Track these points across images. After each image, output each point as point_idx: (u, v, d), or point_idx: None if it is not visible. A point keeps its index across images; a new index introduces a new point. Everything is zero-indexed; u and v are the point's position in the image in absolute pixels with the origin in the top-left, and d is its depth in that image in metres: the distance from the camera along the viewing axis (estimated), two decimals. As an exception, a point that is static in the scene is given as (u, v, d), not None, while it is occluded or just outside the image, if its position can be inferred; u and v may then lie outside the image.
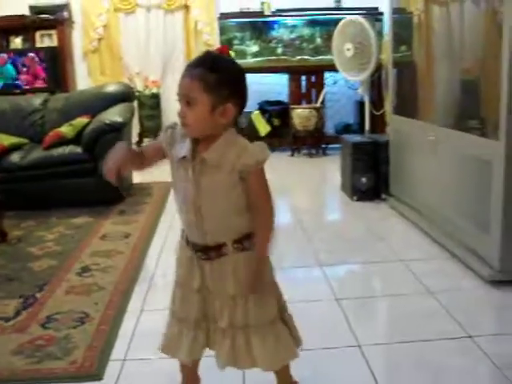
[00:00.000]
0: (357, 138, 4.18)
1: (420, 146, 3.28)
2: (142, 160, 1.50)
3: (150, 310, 2.34)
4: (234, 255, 1.42)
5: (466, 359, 1.93)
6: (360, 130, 6.11)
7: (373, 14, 5.88)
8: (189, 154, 1.37)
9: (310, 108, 5.67)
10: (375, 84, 5.71)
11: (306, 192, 4.66)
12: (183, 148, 1.39)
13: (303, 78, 5.94)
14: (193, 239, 1.45)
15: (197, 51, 6.00)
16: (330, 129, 6.11)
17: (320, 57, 5.96)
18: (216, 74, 1.33)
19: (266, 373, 1.54)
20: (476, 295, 2.43)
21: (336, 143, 5.93)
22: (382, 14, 5.80)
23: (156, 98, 5.95)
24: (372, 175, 4.02)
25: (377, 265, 2.82)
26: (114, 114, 4.03)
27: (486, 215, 2.53)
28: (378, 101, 5.93)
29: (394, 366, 1.97)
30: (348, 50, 4.35)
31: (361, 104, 6.15)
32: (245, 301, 1.44)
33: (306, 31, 5.94)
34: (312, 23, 5.95)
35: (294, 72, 5.91)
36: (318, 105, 5.75)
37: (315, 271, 2.76)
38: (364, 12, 5.86)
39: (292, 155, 5.86)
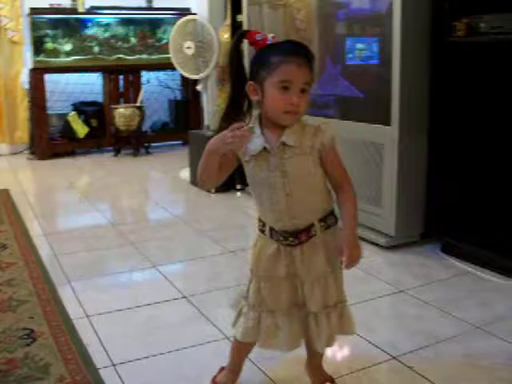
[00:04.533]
0: (209, 133, 4.30)
1: None
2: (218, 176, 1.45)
3: (99, 314, 2.21)
4: (321, 234, 1.46)
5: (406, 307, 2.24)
6: (177, 127, 6.25)
7: (185, 15, 6.03)
8: (269, 144, 1.38)
9: (132, 107, 5.61)
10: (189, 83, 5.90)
11: (158, 191, 4.64)
12: (257, 141, 1.38)
13: (121, 77, 5.83)
14: (282, 227, 1.44)
15: (2, 50, 5.51)
16: (147, 128, 6.11)
17: (136, 56, 5.92)
18: (312, 63, 1.38)
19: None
20: (378, 259, 2.79)
21: (157, 142, 6.01)
22: (195, 15, 5.96)
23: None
24: (227, 168, 4.18)
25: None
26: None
27: (379, 192, 2.89)
28: (193, 99, 6.14)
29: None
30: (188, 48, 4.44)
31: (176, 102, 6.29)
32: (334, 278, 1.50)
33: (121, 30, 5.84)
34: (126, 22, 5.87)
35: (111, 71, 5.78)
36: (139, 104, 5.71)
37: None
38: (177, 12, 6.01)
39: (116, 155, 5.74)
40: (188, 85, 6.20)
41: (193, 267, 2.75)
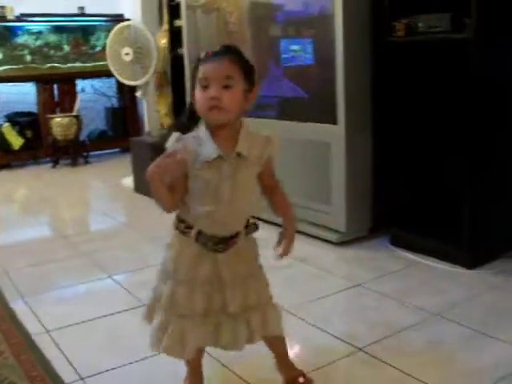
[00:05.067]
0: (151, 139, 4.27)
1: None
2: (173, 199, 1.42)
3: (59, 328, 2.16)
4: (244, 240, 1.48)
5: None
6: (115, 135, 6.16)
7: (118, 21, 5.96)
8: (223, 152, 1.36)
9: (69, 116, 5.50)
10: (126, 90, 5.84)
11: (102, 200, 4.54)
12: (210, 149, 1.37)
13: (55, 86, 5.70)
14: (213, 233, 1.43)
15: None
16: (84, 137, 5.99)
17: (70, 64, 5.80)
18: (248, 62, 1.40)
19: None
20: (331, 255, 2.86)
21: (95, 150, 5.90)
22: (128, 20, 5.89)
23: None
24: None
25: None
26: None
27: (328, 190, 2.96)
28: (130, 105, 6.08)
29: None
30: (127, 54, 4.40)
31: (112, 110, 6.21)
32: (255, 280, 1.52)
33: (53, 38, 5.70)
34: (58, 30, 5.74)
35: (44, 81, 5.64)
36: (76, 113, 5.60)
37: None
38: (109, 19, 5.93)
39: (54, 167, 5.59)
40: (124, 92, 6.14)
41: (149, 275, 2.67)
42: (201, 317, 1.47)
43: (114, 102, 6.27)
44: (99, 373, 1.84)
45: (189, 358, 1.55)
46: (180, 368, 1.67)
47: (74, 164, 5.57)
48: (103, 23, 5.93)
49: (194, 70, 1.40)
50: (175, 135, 1.41)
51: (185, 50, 3.92)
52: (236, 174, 1.39)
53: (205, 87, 1.35)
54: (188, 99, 1.44)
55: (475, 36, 2.32)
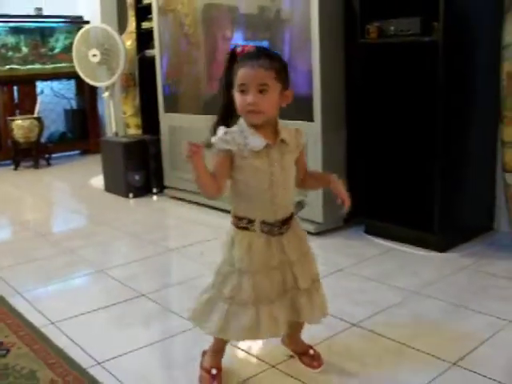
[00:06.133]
0: (123, 139, 4.35)
1: (193, 135, 3.66)
2: (216, 181, 1.53)
3: (64, 319, 2.23)
4: (295, 219, 1.67)
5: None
6: (76, 137, 6.17)
7: (78, 23, 5.99)
8: (269, 141, 1.53)
9: (30, 118, 5.47)
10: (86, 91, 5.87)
11: (75, 201, 4.56)
12: (257, 139, 1.52)
13: (15, 88, 5.66)
14: (277, 218, 1.58)
15: None
16: (44, 139, 5.97)
17: (29, 66, 5.77)
18: (282, 64, 1.53)
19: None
20: (311, 244, 3.02)
21: (56, 152, 5.90)
22: (87, 22, 5.93)
23: None
24: (144, 172, 4.27)
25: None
26: None
27: (305, 182, 3.13)
28: (90, 107, 6.10)
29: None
30: (94, 56, 4.45)
31: (72, 112, 6.21)
32: (311, 254, 1.71)
33: (11, 39, 5.66)
34: (16, 31, 5.69)
35: (3, 82, 5.59)
36: (37, 115, 5.58)
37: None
38: (68, 20, 5.94)
39: (15, 169, 5.55)
40: (84, 93, 6.15)
41: (140, 267, 2.82)
42: (281, 297, 1.61)
43: (74, 103, 6.26)
44: (114, 357, 1.93)
45: (282, 334, 1.68)
46: (191, 350, 1.80)
47: (36, 166, 5.55)
48: (62, 25, 5.92)
49: (228, 70, 1.55)
50: (223, 129, 1.56)
51: (157, 53, 4.01)
52: (283, 158, 1.56)
53: (242, 91, 1.50)
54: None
55: (443, 38, 2.54)
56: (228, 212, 1.69)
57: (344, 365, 1.81)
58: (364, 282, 2.51)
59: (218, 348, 1.76)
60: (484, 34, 2.75)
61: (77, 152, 6.29)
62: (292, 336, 1.83)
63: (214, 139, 1.54)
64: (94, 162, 5.66)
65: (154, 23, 3.96)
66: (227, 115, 1.58)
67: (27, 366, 1.91)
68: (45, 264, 2.91)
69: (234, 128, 1.56)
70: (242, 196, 1.60)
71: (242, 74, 1.49)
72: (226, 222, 1.69)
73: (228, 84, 1.55)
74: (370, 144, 3.02)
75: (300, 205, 1.73)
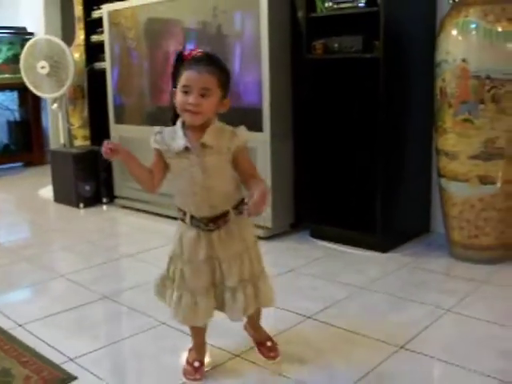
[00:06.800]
0: (74, 150, 4.40)
1: (144, 146, 3.78)
2: (153, 176, 1.71)
3: (31, 321, 2.29)
4: (235, 219, 1.75)
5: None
6: (19, 149, 6.13)
7: (21, 34, 5.99)
8: (190, 143, 1.64)
9: (-27, 130, 5.41)
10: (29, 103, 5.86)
11: (25, 211, 4.51)
12: (180, 141, 1.63)
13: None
14: (202, 215, 1.70)
15: None
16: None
17: (-29, 77, 5.71)
18: (226, 73, 1.67)
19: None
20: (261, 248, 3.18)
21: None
22: (31, 33, 5.93)
23: None
24: (94, 182, 4.34)
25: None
26: None
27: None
28: (34, 119, 6.08)
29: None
30: (43, 67, 4.49)
31: (15, 123, 6.18)
32: (248, 255, 1.77)
33: (-47, 49, 5.60)
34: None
35: None
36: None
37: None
38: (12, 31, 5.92)
39: (-43, 181, 5.47)
40: (27, 105, 6.12)
41: (99, 272, 2.91)
42: (206, 289, 1.74)
43: (17, 115, 6.22)
44: (85, 354, 2.02)
45: (201, 325, 1.81)
46: (158, 343, 1.96)
47: (-22, 178, 5.48)
48: (5, 35, 5.89)
49: (175, 69, 1.66)
50: (156, 129, 1.72)
51: (107, 65, 4.11)
52: (203, 161, 1.65)
53: (186, 92, 1.62)
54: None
55: (383, 56, 2.78)
56: (175, 219, 1.82)
57: (302, 353, 1.98)
58: (314, 280, 2.69)
59: (196, 342, 1.89)
60: (420, 53, 3.01)
61: (19, 164, 6.24)
62: (249, 322, 1.97)
63: (150, 138, 1.70)
64: (39, 174, 5.68)
65: (104, 36, 4.05)
66: (174, 116, 1.71)
67: (0, 364, 1.97)
68: (4, 271, 2.95)
69: (169, 128, 1.70)
70: (175, 190, 1.75)
71: (187, 76, 1.58)
72: (174, 228, 1.82)
73: (175, 84, 1.67)
74: (315, 153, 3.23)
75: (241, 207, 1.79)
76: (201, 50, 1.68)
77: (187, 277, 1.74)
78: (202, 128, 1.66)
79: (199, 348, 1.89)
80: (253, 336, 2.00)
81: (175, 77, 1.67)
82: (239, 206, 1.76)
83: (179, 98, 1.62)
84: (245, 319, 1.94)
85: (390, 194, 2.99)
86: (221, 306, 1.79)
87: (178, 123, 1.70)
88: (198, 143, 1.65)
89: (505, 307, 2.32)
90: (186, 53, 1.66)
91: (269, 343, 1.96)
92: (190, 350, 1.92)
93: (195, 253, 1.73)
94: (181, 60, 1.66)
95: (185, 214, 1.74)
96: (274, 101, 3.15)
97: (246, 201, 1.72)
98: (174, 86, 1.67)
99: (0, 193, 5.16)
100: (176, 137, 1.67)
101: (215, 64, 1.65)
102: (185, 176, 1.68)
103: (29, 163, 6.23)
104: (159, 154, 1.71)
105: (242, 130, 1.72)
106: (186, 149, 1.65)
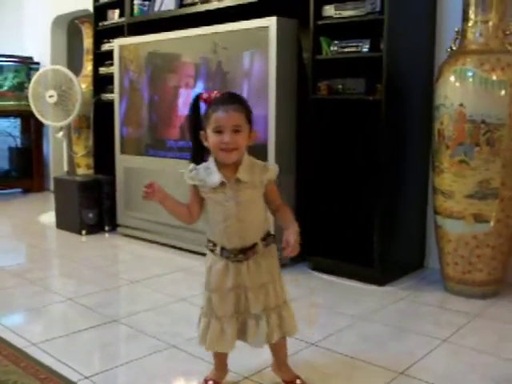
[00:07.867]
0: (78, 178, 4.52)
1: (147, 175, 3.89)
2: (190, 211, 1.84)
3: (45, 341, 2.37)
4: (263, 250, 1.85)
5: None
6: (20, 175, 6.23)
7: (28, 63, 6.15)
8: (226, 179, 1.76)
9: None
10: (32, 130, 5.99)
11: (27, 237, 4.54)
12: (215, 177, 1.74)
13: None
14: (233, 246, 1.79)
15: None
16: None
17: (-24, 103, 5.84)
18: (249, 108, 1.80)
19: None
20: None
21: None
22: (37, 63, 6.10)
23: None
24: (97, 210, 4.45)
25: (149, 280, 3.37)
26: None
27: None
28: (35, 146, 6.20)
29: None
30: (51, 96, 4.63)
31: (17, 150, 6.29)
32: (273, 286, 1.86)
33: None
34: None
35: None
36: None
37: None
38: (18, 60, 6.08)
39: (-42, 205, 5.54)
40: (29, 132, 6.25)
41: (107, 297, 3.00)
42: (232, 317, 1.84)
43: (19, 142, 6.34)
44: (100, 372, 2.11)
45: (227, 351, 1.90)
46: (168, 365, 2.04)
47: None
48: (11, 64, 6.04)
49: (193, 115, 1.81)
50: (191, 166, 1.83)
51: (116, 97, 4.26)
52: (238, 195, 1.77)
53: (219, 132, 1.73)
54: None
55: (385, 98, 2.95)
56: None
57: (308, 377, 2.07)
58: (315, 310, 2.81)
59: (217, 363, 1.99)
60: (419, 97, 3.19)
61: (19, 190, 6.33)
62: (277, 362, 2.03)
63: (184, 175, 1.82)
64: (39, 200, 5.78)
65: (114, 69, 4.21)
66: (197, 154, 1.84)
67: (19, 380, 2.05)
68: (11, 293, 3.02)
69: (202, 165, 1.82)
70: (209, 222, 1.86)
71: (217, 117, 1.69)
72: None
73: (195, 127, 1.80)
74: (316, 188, 3.37)
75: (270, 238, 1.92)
76: (218, 91, 1.81)
77: (215, 304, 1.84)
78: (235, 164, 1.77)
79: (219, 369, 1.99)
80: (281, 376, 2.04)
81: (194, 120, 1.81)
82: (267, 238, 1.86)
83: (213, 138, 1.71)
84: (272, 360, 2.02)
85: (387, 229, 3.12)
86: (242, 335, 1.87)
87: (211, 159, 1.80)
88: (233, 178, 1.76)
89: (496, 338, 2.45)
90: (205, 96, 1.79)
91: (298, 381, 2.01)
92: (212, 372, 2.01)
93: (223, 282, 1.83)
94: (198, 103, 1.79)
95: (215, 245, 1.84)
96: (278, 137, 3.30)
97: (273, 234, 1.87)
98: (196, 128, 1.80)
99: (1, 218, 5.23)
100: (211, 173, 1.78)
101: (239, 102, 1.78)
102: (219, 209, 1.79)
103: (28, 190, 6.32)
104: (195, 190, 1.83)
105: (271, 164, 1.86)
106: (222, 184, 1.76)
